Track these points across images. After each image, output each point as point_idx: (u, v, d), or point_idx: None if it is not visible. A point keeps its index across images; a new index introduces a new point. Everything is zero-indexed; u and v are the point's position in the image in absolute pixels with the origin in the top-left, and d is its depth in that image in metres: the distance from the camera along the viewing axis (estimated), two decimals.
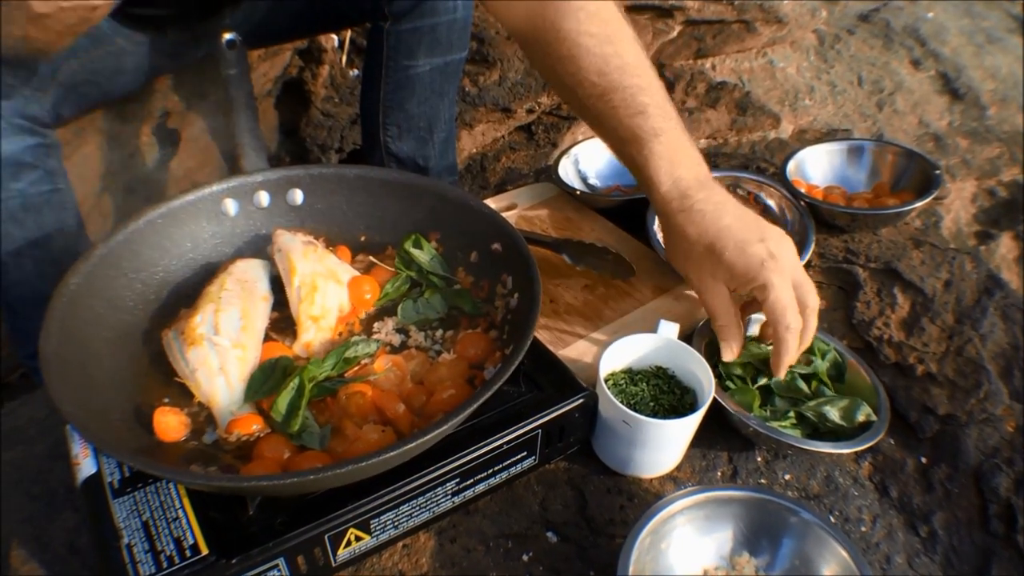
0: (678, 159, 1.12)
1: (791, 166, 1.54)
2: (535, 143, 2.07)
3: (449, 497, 0.98)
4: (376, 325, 1.14)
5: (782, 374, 1.12)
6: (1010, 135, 2.18)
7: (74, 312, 0.98)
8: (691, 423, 1.03)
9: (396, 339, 1.12)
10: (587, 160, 1.64)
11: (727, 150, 1.96)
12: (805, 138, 2.04)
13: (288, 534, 0.86)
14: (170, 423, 0.96)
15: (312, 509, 0.88)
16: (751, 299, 1.13)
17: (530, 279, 1.03)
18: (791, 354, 1.08)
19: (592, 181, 1.64)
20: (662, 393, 1.09)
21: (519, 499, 1.07)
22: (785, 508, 0.96)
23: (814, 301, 1.09)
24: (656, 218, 1.40)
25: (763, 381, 1.16)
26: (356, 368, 1.05)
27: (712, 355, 1.20)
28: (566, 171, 1.60)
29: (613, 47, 1.15)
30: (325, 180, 1.22)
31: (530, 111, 2.03)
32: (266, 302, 1.11)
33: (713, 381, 1.05)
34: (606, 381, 1.07)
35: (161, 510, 0.89)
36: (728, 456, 1.15)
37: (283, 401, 0.96)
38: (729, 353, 1.13)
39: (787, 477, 1.13)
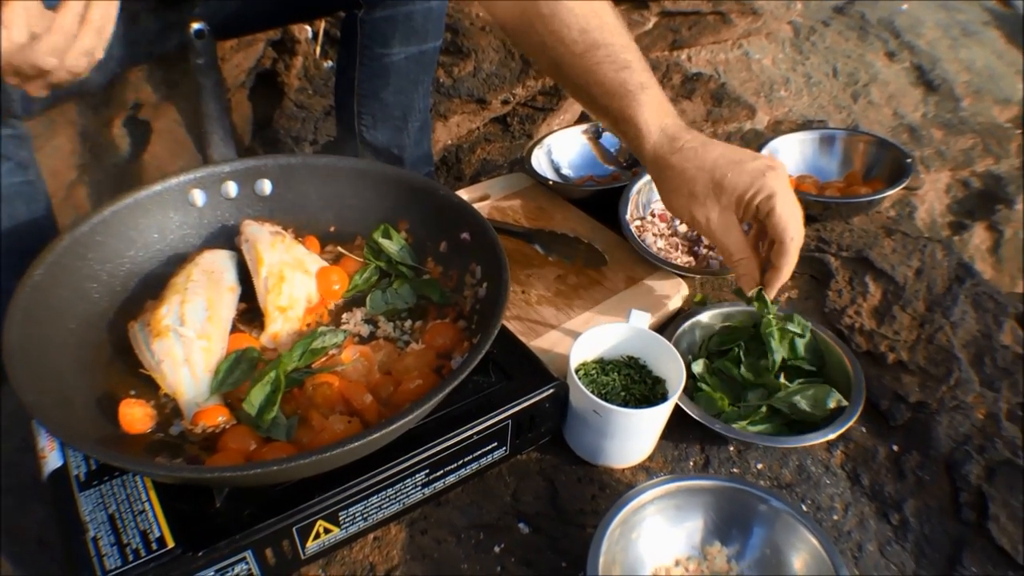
0: (662, 110, 1.15)
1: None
2: (510, 134, 2.05)
3: (419, 488, 0.98)
4: (345, 316, 1.13)
5: (773, 293, 1.14)
6: (984, 126, 2.19)
7: (39, 302, 0.96)
8: (661, 412, 1.03)
9: (365, 330, 1.11)
10: (560, 150, 1.63)
11: None
12: (780, 129, 2.03)
13: (255, 526, 0.85)
14: (136, 415, 0.95)
15: (280, 501, 0.87)
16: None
17: (498, 268, 1.02)
18: (789, 269, 1.11)
19: (565, 171, 1.63)
20: (633, 383, 1.09)
21: (490, 490, 1.07)
22: (755, 497, 0.96)
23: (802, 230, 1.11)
24: (628, 207, 1.40)
25: (752, 293, 1.16)
26: (323, 359, 1.04)
27: (689, 351, 1.21)
28: (539, 161, 1.59)
29: (592, 8, 1.17)
30: (294, 170, 1.21)
31: (505, 102, 2.02)
32: (233, 293, 1.10)
33: (684, 371, 1.04)
34: (577, 371, 1.07)
35: (127, 503, 0.88)
36: (700, 446, 1.15)
37: (258, 395, 0.95)
38: (751, 283, 1.15)
39: (759, 466, 1.13)
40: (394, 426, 0.81)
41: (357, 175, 1.21)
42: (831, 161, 1.60)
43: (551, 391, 1.02)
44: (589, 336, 1.09)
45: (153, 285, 1.11)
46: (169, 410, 0.99)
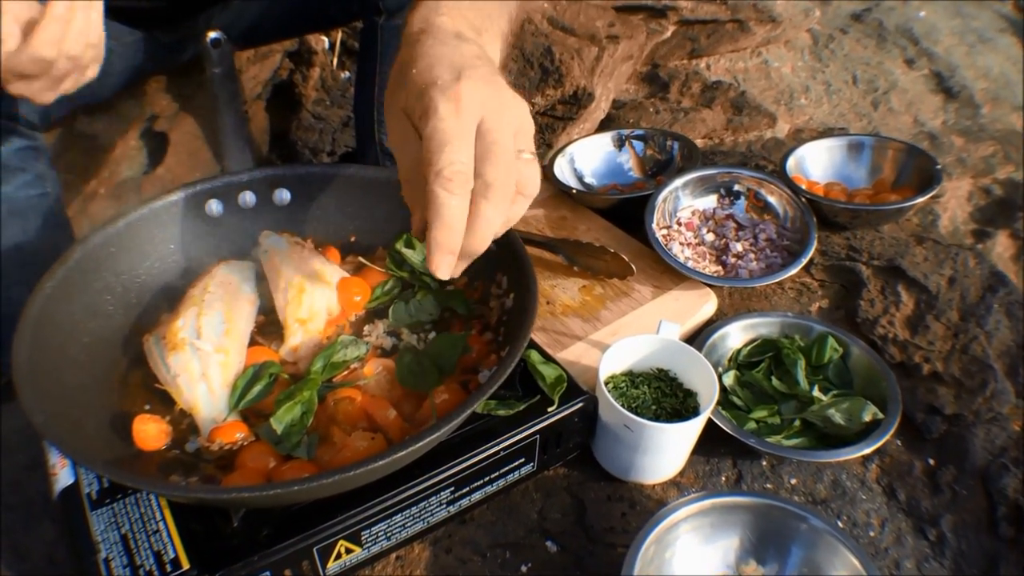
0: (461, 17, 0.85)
1: (791, 163, 1.48)
2: None
3: (444, 506, 0.93)
4: (367, 328, 1.08)
5: (436, 268, 0.73)
6: (1003, 133, 2.14)
7: (49, 317, 0.92)
8: (694, 427, 0.98)
9: (387, 342, 1.05)
10: (583, 159, 1.58)
11: (724, 149, 1.91)
12: (801, 137, 1.98)
13: (274, 547, 0.81)
14: (150, 431, 0.90)
15: (299, 520, 0.83)
16: None
17: (525, 278, 0.97)
18: (439, 226, 0.71)
19: (588, 180, 1.57)
20: (664, 396, 1.04)
21: (516, 507, 1.02)
22: (793, 514, 0.91)
23: (532, 188, 0.79)
24: (654, 216, 1.35)
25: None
26: (345, 372, 0.99)
27: (718, 363, 1.16)
28: (561, 170, 1.54)
29: None
30: (313, 179, 1.16)
31: None
32: (251, 305, 1.05)
33: (716, 384, 1.00)
34: (606, 384, 1.02)
35: (141, 522, 0.84)
36: (732, 461, 1.10)
37: (286, 415, 0.90)
38: (416, 222, 0.82)
39: (793, 481, 1.08)
40: (419, 444, 0.77)
41: (378, 185, 1.16)
42: (859, 168, 1.54)
43: (580, 405, 0.98)
44: (618, 348, 1.04)
45: (169, 298, 1.07)
46: (185, 426, 0.94)
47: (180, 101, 1.81)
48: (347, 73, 2.06)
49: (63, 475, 0.90)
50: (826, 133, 1.98)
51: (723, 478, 1.08)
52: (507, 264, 1.04)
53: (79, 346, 0.95)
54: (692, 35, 2.23)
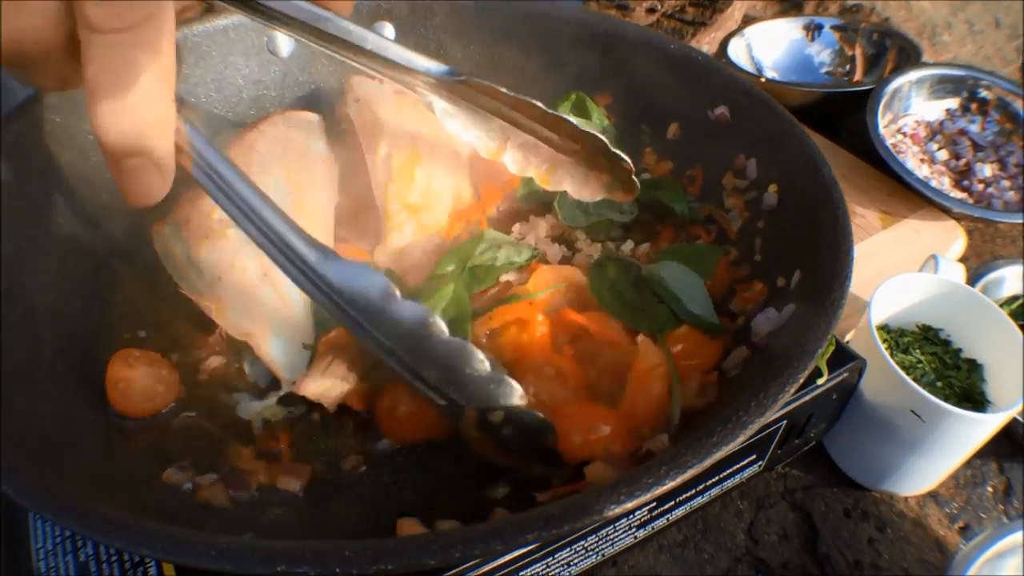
0: None
1: None
2: None
3: (633, 530, 0.51)
4: (517, 227, 0.60)
5: None
6: None
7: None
8: (1004, 419, 0.58)
9: (554, 251, 0.58)
10: (762, 47, 1.07)
11: None
12: None
13: None
14: (136, 379, 0.44)
15: None
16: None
17: (806, 158, 0.50)
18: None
19: (769, 73, 1.07)
20: (946, 368, 0.63)
21: (714, 523, 0.62)
22: None
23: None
24: (880, 121, 0.86)
25: None
26: (494, 289, 0.52)
27: None
28: (738, 56, 1.04)
29: None
30: (431, 11, 0.69)
31: (651, 11, 1.49)
32: (327, 166, 0.58)
33: None
34: None
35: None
36: (998, 465, 0.70)
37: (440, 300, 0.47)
38: None
39: None
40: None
41: (527, 22, 0.68)
42: None
43: (843, 376, 0.53)
44: (887, 291, 0.61)
45: None
46: (233, 369, 0.50)
47: None
48: None
49: None
50: None
51: (989, 488, 0.69)
52: (756, 140, 0.56)
53: (49, 230, 0.51)
54: None
